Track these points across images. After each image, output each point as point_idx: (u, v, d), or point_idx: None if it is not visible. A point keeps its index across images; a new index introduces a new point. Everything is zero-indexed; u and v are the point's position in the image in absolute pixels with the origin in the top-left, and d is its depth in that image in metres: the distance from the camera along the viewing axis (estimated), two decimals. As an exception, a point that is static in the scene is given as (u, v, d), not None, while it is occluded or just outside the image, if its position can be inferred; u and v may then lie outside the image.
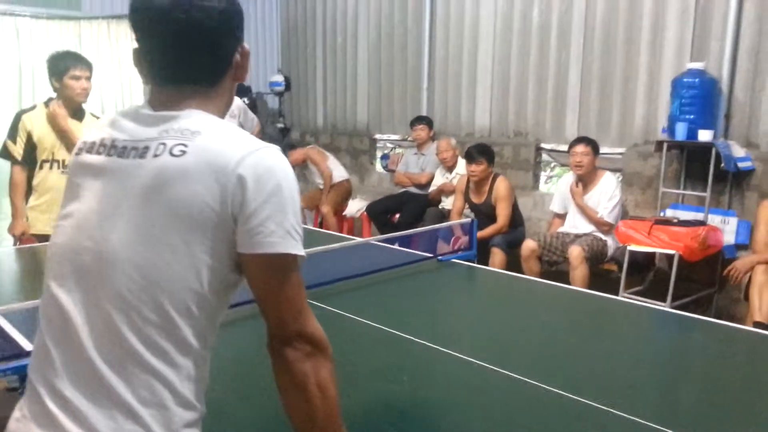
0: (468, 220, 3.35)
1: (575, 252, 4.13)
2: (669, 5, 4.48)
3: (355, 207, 6.22)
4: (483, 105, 5.81)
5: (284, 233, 1.02)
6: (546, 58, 5.26)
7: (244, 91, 7.35)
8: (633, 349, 2.14)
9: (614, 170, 4.89)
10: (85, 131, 1.25)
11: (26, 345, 1.77)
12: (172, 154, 1.02)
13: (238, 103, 3.88)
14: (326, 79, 7.50)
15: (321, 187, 6.39)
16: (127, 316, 1.00)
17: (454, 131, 6.03)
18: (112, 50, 6.79)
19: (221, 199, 1.00)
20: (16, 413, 1.10)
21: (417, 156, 6.00)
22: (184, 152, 1.02)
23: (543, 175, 5.58)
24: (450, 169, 5.54)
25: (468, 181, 5.02)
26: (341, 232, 5.97)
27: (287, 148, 6.83)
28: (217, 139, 1.04)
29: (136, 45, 1.15)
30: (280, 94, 7.98)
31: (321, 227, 6.06)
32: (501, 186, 4.84)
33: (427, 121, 5.93)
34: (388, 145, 6.95)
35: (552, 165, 5.51)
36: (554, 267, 4.60)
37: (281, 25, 8.07)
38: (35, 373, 1.08)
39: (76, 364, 1.03)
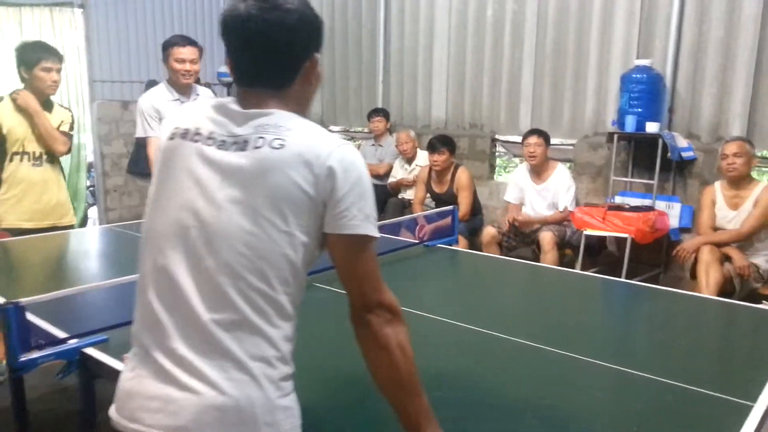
0: (450, 207, 3.53)
1: (547, 237, 4.41)
2: (617, 7, 4.82)
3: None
4: (439, 98, 6.01)
5: (364, 217, 1.19)
6: (500, 53, 5.52)
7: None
8: (607, 312, 2.47)
9: (566, 160, 5.20)
10: (172, 115, 1.33)
11: (58, 333, 1.81)
12: (272, 147, 1.16)
13: (208, 93, 3.91)
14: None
15: None
16: (235, 283, 1.14)
17: (410, 123, 6.21)
18: (55, 39, 6.57)
19: (314, 186, 1.16)
20: (127, 374, 1.23)
21: (374, 147, 6.15)
22: (282, 145, 1.16)
23: (497, 166, 5.85)
24: (409, 160, 5.72)
25: (430, 171, 5.21)
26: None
27: None
28: (308, 135, 1.19)
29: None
30: (228, 85, 7.92)
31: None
32: (462, 176, 5.06)
33: (384, 113, 6.09)
34: (342, 136, 7.05)
35: (505, 156, 5.78)
36: (513, 252, 4.87)
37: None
38: (146, 337, 1.20)
39: (189, 328, 1.15)
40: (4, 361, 3.33)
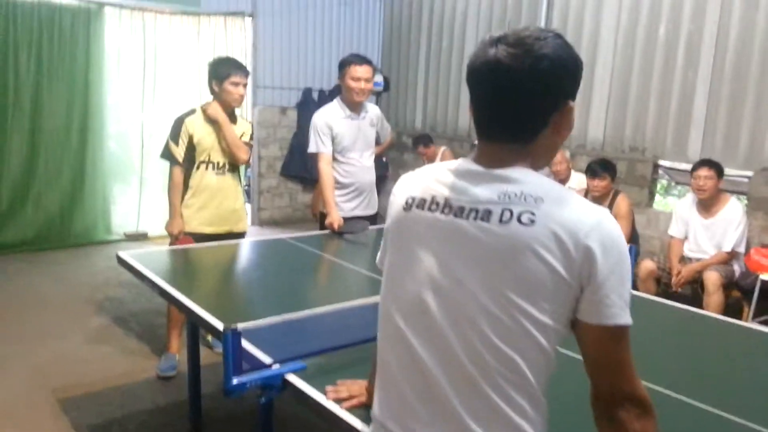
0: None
1: (712, 278, 4.12)
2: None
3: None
4: (597, 117, 5.79)
5: (623, 304, 1.07)
6: (671, 74, 5.21)
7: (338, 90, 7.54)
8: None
9: (739, 193, 4.83)
10: (406, 182, 1.30)
11: (264, 358, 1.91)
12: (521, 222, 1.06)
13: (376, 111, 4.01)
14: (428, 82, 7.59)
15: None
16: (487, 374, 1.09)
17: (564, 143, 6.02)
18: (228, 45, 7.04)
19: (570, 269, 1.05)
20: None
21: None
22: (532, 221, 1.06)
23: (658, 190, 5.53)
24: (562, 182, 5.55)
25: (585, 195, 5.02)
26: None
27: (426, 141, 6.94)
28: (561, 208, 1.07)
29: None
30: (377, 94, 8.12)
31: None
32: (622, 204, 4.83)
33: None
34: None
35: (670, 183, 5.46)
36: (670, 290, 4.58)
37: (384, 25, 8.18)
38: (394, 420, 1.20)
39: (441, 416, 1.13)
40: (177, 355, 3.64)
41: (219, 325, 2.11)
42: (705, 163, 4.48)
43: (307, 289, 2.85)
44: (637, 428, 1.09)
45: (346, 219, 3.73)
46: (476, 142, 1.23)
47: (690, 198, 4.68)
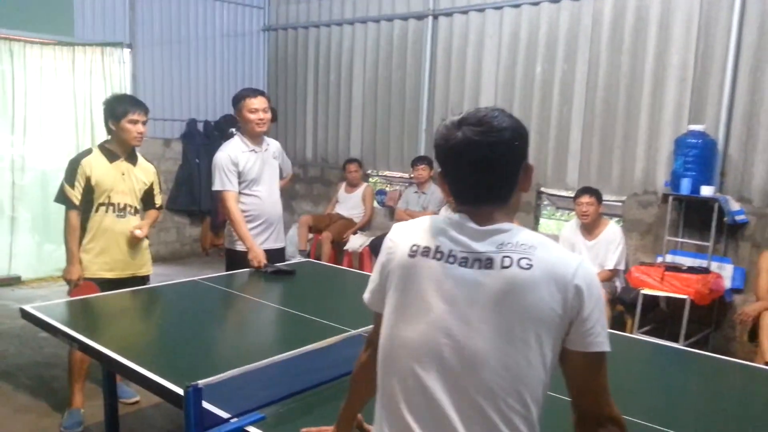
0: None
1: (602, 296, 4.49)
2: (668, 72, 4.97)
3: (358, 242, 6.40)
4: (484, 149, 6.13)
5: (605, 334, 1.26)
6: (548, 110, 5.66)
7: (232, 122, 7.44)
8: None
9: (614, 215, 5.32)
10: (406, 231, 1.40)
11: (220, 413, 1.86)
12: (520, 267, 1.22)
13: (277, 144, 4.02)
14: (317, 113, 7.67)
15: (342, 215, 6.78)
16: (496, 405, 1.21)
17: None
18: (106, 77, 6.71)
19: (563, 305, 1.21)
20: None
21: (417, 194, 6.26)
22: (530, 265, 1.22)
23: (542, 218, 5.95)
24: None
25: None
26: (343, 265, 6.13)
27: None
28: (551, 254, 1.24)
29: (440, 170, 1.37)
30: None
31: (311, 255, 6.25)
32: (514, 229, 5.14)
33: (428, 161, 6.21)
34: (380, 182, 7.18)
35: (551, 207, 5.90)
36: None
37: (269, 57, 8.18)
38: None
39: None
40: (82, 410, 3.39)
41: (168, 385, 2.01)
42: (586, 190, 4.90)
43: (247, 336, 2.78)
44: None
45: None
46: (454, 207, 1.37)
47: (573, 222, 5.09)
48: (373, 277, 1.45)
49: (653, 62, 5.06)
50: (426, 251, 1.31)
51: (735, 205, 4.63)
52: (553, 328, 1.21)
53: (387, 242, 1.41)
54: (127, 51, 6.97)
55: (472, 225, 1.29)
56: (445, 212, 5.84)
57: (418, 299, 1.30)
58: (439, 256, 1.29)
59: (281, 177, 4.09)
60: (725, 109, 4.70)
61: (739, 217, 4.58)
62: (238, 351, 2.47)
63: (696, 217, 4.84)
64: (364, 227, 6.78)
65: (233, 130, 6.96)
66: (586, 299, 1.21)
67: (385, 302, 1.38)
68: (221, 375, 1.87)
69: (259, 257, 3.63)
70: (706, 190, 4.54)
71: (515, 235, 1.27)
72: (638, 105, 5.15)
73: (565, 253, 1.27)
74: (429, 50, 6.45)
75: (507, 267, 1.22)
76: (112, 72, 6.82)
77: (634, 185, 5.25)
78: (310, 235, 6.74)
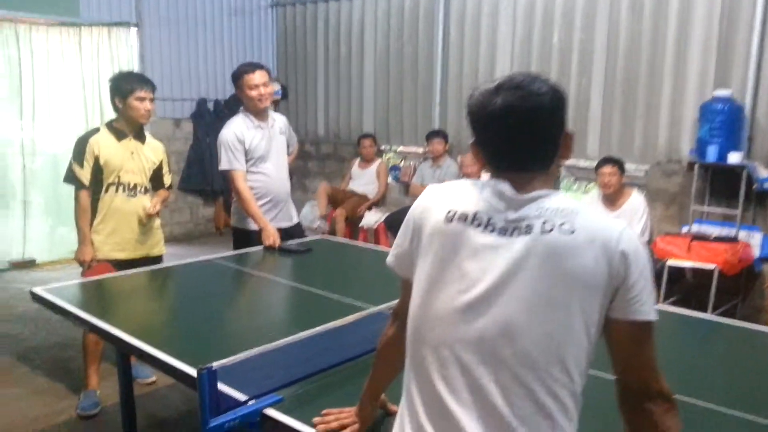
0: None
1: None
2: (692, 38, 4.79)
3: (373, 218, 6.30)
4: (500, 121, 5.98)
5: (652, 302, 1.18)
6: (566, 80, 5.49)
7: (238, 101, 7.34)
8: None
9: (636, 185, 5.17)
10: (442, 194, 1.33)
11: (238, 395, 1.78)
12: (561, 231, 1.15)
13: (284, 119, 3.90)
14: (328, 89, 7.53)
15: (355, 191, 6.64)
16: (537, 375, 1.14)
17: (468, 145, 6.17)
18: (113, 57, 6.62)
19: (608, 271, 1.14)
20: None
21: (433, 169, 6.13)
22: (573, 230, 1.15)
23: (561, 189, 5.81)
24: (473, 183, 5.69)
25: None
26: (359, 240, 6.05)
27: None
28: (594, 219, 1.18)
29: (473, 139, 1.30)
30: (275, 102, 7.95)
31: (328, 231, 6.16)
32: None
33: (443, 135, 6.08)
34: (394, 157, 7.05)
35: (569, 179, 5.75)
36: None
37: (278, 33, 8.03)
38: (433, 423, 1.21)
39: (487, 420, 1.15)
40: (98, 391, 3.36)
41: (183, 366, 1.94)
42: (608, 160, 4.76)
43: (263, 316, 2.69)
44: (668, 421, 1.19)
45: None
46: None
47: (595, 193, 4.95)
48: (400, 240, 1.37)
49: (676, 26, 4.87)
50: (463, 217, 1.23)
51: (764, 172, 4.46)
52: (597, 295, 1.15)
53: (419, 205, 1.34)
54: (134, 30, 6.86)
55: (510, 191, 1.22)
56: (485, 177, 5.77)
57: (454, 267, 1.22)
58: (477, 222, 1.22)
59: (288, 153, 3.98)
60: (752, 72, 4.52)
61: (768, 184, 4.42)
62: (254, 331, 2.38)
63: (723, 185, 4.68)
64: (379, 203, 6.68)
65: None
66: (633, 265, 1.15)
67: (413, 267, 1.31)
68: (236, 356, 1.79)
69: (273, 236, 3.52)
70: (734, 157, 4.38)
71: (555, 200, 1.21)
72: (661, 71, 4.97)
73: (607, 218, 1.21)
74: (442, 21, 6.28)
75: (548, 231, 1.16)
76: (120, 52, 6.72)
77: (657, 154, 5.09)
78: (329, 206, 6.64)
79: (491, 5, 5.89)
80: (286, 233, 3.68)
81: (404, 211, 6.18)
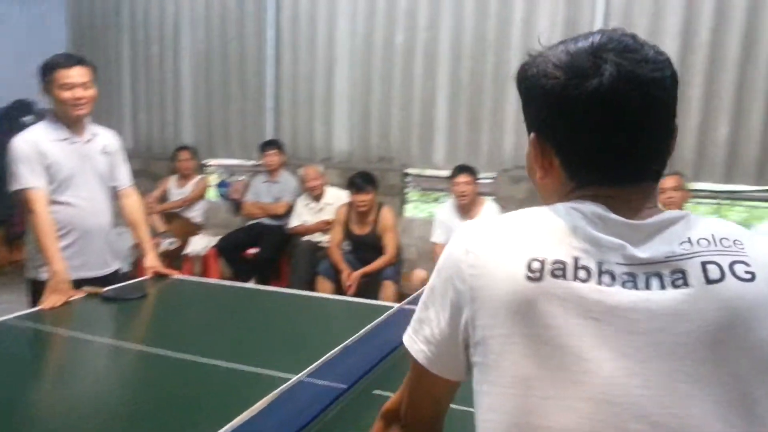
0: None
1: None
2: (538, 39, 4.73)
3: (201, 244, 5.47)
4: (341, 128, 5.55)
5: None
6: (410, 82, 5.22)
7: (26, 108, 6.09)
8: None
9: (485, 194, 5.02)
10: (496, 239, 0.78)
11: None
12: (737, 277, 0.75)
13: (114, 139, 3.03)
14: (136, 95, 6.52)
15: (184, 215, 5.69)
16: None
17: (307, 156, 5.66)
18: None
19: None
20: None
21: (268, 184, 5.48)
22: (752, 273, 0.75)
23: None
24: (317, 198, 5.17)
25: (349, 211, 4.73)
26: (183, 273, 5.18)
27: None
28: (765, 251, 0.79)
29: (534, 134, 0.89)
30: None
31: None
32: (387, 215, 4.68)
33: (278, 146, 5.47)
34: (222, 171, 6.29)
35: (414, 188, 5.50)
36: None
37: (69, 27, 6.81)
38: None
39: None
40: None
41: None
42: (462, 169, 4.55)
43: (82, 400, 1.90)
44: None
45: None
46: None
47: (449, 204, 4.72)
48: (435, 320, 0.86)
49: (521, 27, 4.80)
50: (560, 269, 0.76)
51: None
52: None
53: (461, 258, 0.83)
54: None
55: (619, 218, 0.79)
56: (303, 204, 5.22)
57: (567, 354, 0.74)
58: (584, 274, 0.76)
59: (115, 188, 3.06)
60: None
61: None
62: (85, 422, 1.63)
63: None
64: (203, 226, 5.83)
65: (28, 118, 5.73)
66: None
67: (463, 365, 0.84)
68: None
69: (59, 285, 2.55)
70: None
71: (697, 225, 0.80)
72: (507, 74, 4.87)
73: None
74: (273, 18, 5.68)
75: (717, 281, 0.74)
76: None
77: (504, 161, 5.00)
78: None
79: (328, 0, 5.43)
80: (97, 285, 2.74)
81: (238, 233, 5.49)
